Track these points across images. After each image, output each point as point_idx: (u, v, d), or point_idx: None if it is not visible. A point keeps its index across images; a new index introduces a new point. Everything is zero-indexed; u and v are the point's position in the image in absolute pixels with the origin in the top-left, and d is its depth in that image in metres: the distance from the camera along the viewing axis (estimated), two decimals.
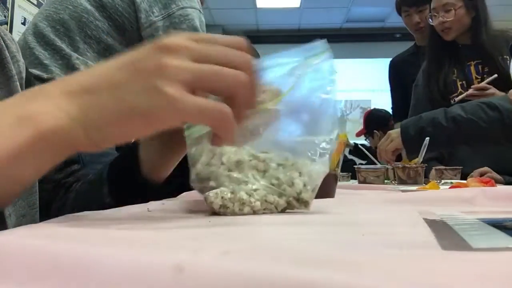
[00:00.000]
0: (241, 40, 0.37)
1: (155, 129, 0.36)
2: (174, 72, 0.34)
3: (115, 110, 0.34)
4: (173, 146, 0.57)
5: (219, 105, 0.35)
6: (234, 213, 0.42)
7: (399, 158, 1.47)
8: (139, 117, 0.34)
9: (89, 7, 1.05)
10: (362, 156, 1.82)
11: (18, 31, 2.52)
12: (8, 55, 0.62)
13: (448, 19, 1.85)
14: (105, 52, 1.05)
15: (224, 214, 0.42)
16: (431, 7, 1.91)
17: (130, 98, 0.34)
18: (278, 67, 0.45)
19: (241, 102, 0.36)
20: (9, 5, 2.54)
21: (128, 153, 0.63)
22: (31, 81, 0.79)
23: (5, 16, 2.53)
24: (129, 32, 1.05)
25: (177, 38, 0.35)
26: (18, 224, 0.55)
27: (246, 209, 0.42)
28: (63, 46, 1.03)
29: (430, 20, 1.92)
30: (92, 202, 0.66)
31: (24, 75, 0.67)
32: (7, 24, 2.54)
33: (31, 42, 1.04)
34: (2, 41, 0.62)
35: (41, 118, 0.33)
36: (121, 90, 0.34)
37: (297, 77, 0.45)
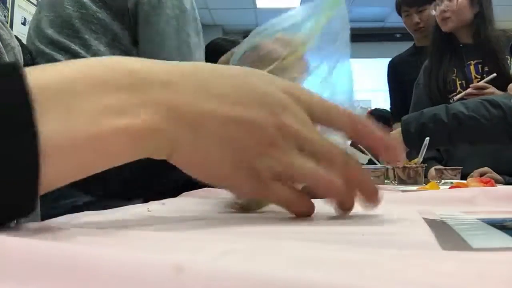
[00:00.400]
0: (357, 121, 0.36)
1: (227, 188, 0.37)
2: (276, 162, 0.33)
3: (209, 162, 0.33)
4: None
5: (297, 200, 0.36)
6: None
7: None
8: (222, 179, 0.35)
9: (84, 0, 1.05)
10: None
11: (18, 31, 2.52)
12: (0, 45, 0.60)
13: (449, 9, 1.84)
14: (113, 42, 1.06)
15: None
16: None
17: (227, 166, 0.33)
18: (293, 20, 0.45)
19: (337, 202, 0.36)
20: (9, 5, 2.55)
21: None
22: None
23: (5, 16, 2.53)
24: (127, 14, 1.06)
25: (297, 119, 0.33)
26: None
27: None
28: (77, 48, 1.04)
29: (433, 11, 1.91)
30: None
31: (22, 62, 0.66)
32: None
33: (48, 51, 1.04)
34: None
35: (141, 118, 0.29)
36: (226, 150, 0.33)
37: (314, 29, 0.45)
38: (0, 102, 0.23)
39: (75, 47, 1.03)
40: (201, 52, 1.12)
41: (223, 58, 0.58)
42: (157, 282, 0.18)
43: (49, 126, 0.25)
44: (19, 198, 0.25)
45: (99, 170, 0.29)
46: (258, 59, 0.44)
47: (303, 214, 0.38)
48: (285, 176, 0.34)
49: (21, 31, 2.44)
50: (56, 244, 0.22)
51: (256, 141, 0.33)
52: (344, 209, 0.37)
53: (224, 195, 0.73)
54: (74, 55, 1.02)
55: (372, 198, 0.36)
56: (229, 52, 0.48)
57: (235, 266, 0.18)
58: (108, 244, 0.26)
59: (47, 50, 1.03)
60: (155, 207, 0.52)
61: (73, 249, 0.21)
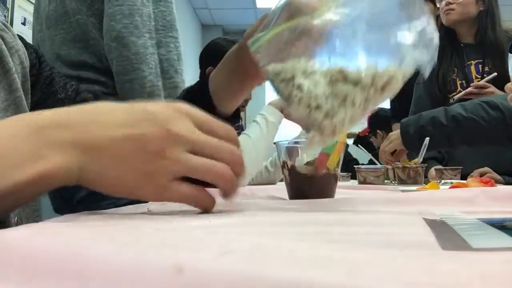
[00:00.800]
0: (233, 133, 0.44)
1: (136, 198, 0.41)
2: (169, 164, 0.39)
3: (112, 179, 0.38)
4: (238, 77, 0.64)
5: (197, 194, 0.42)
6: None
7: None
8: (128, 191, 0.39)
9: (74, 6, 1.05)
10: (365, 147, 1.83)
11: (18, 31, 2.52)
12: (4, 48, 0.62)
13: (455, 1, 1.84)
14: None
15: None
16: None
17: (129, 177, 0.38)
18: None
19: (223, 190, 0.43)
20: (9, 5, 2.55)
21: (200, 85, 0.69)
22: (98, 96, 0.82)
23: (5, 16, 2.53)
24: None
25: (183, 127, 0.39)
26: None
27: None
28: (90, 59, 1.04)
29: (437, 2, 1.91)
30: None
31: (27, 63, 0.67)
32: None
33: (70, 73, 1.04)
34: None
35: (51, 161, 0.35)
36: (124, 165, 0.38)
37: None
38: None
39: (88, 60, 1.04)
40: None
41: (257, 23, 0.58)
42: (157, 281, 0.18)
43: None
44: None
45: (17, 207, 0.36)
46: (295, 11, 0.48)
47: (206, 207, 0.43)
48: (179, 174, 0.40)
49: (21, 31, 2.44)
50: (56, 244, 0.22)
51: (147, 151, 0.38)
52: (228, 196, 0.43)
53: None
54: (92, 70, 1.03)
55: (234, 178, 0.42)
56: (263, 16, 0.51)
57: (235, 266, 0.18)
58: (108, 244, 0.26)
59: (73, 74, 1.04)
60: (155, 207, 0.52)
61: (73, 249, 0.21)
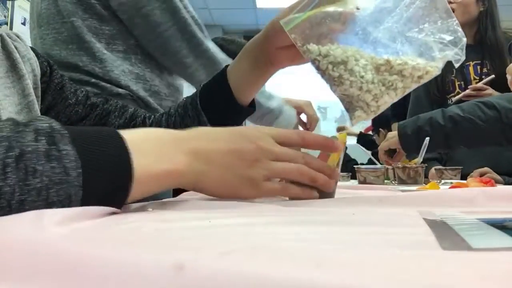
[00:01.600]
0: (297, 136, 0.56)
1: (236, 198, 0.54)
2: (262, 169, 0.52)
3: (220, 183, 0.51)
4: (260, 65, 0.70)
5: (282, 188, 0.56)
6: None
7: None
8: (231, 192, 0.52)
9: (70, 8, 1.04)
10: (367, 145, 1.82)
11: (18, 31, 2.52)
12: (18, 56, 0.69)
13: (456, 1, 1.84)
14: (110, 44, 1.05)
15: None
16: None
17: (234, 181, 0.51)
18: None
19: (312, 182, 0.56)
20: (9, 5, 2.54)
21: (218, 81, 0.74)
22: (90, 97, 0.84)
23: (5, 16, 2.53)
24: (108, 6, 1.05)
25: (268, 143, 0.52)
26: None
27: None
28: (82, 62, 1.03)
29: None
30: None
31: (38, 71, 0.70)
32: (7, 24, 2.54)
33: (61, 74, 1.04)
34: (11, 44, 0.66)
35: (180, 164, 0.47)
36: (228, 172, 0.51)
37: None
38: (111, 154, 0.40)
39: (80, 63, 1.03)
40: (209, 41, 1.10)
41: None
42: (157, 281, 0.18)
43: (137, 166, 0.41)
44: (116, 200, 0.41)
45: (149, 195, 0.46)
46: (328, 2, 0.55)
47: (294, 196, 0.57)
48: (271, 176, 0.53)
49: (21, 31, 2.44)
50: (56, 244, 0.22)
51: (246, 160, 0.51)
52: (321, 185, 0.56)
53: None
54: (87, 74, 1.03)
55: (330, 176, 0.57)
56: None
57: (235, 266, 0.18)
58: (108, 244, 0.26)
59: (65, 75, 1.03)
60: (155, 207, 0.52)
61: (74, 249, 0.21)
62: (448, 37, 0.55)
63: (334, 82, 0.55)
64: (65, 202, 0.37)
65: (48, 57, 1.07)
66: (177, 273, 0.18)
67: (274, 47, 0.66)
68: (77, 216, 0.40)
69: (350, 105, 0.55)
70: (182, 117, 0.77)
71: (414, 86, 0.56)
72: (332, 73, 0.54)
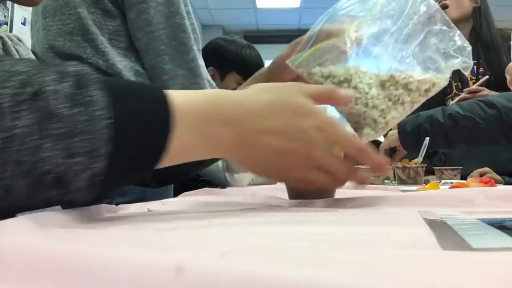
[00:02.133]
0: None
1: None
2: (298, 176, 0.49)
3: (258, 174, 0.51)
4: None
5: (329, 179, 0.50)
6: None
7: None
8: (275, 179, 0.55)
9: (78, 0, 1.04)
10: None
11: (18, 31, 2.52)
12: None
13: None
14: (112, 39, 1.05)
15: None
16: None
17: (272, 174, 0.50)
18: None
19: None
20: (9, 5, 2.54)
21: None
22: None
23: (5, 16, 2.53)
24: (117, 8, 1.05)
25: (321, 153, 0.47)
26: None
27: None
28: (86, 54, 1.03)
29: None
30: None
31: None
32: (7, 24, 2.54)
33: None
34: (12, 48, 0.66)
35: (217, 146, 0.44)
36: (269, 169, 0.48)
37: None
38: (149, 109, 0.36)
39: (84, 55, 1.03)
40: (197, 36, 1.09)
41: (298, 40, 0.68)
42: (157, 282, 0.18)
43: (179, 138, 0.38)
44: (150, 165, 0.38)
45: (184, 161, 0.43)
46: (324, 37, 0.59)
47: (342, 182, 0.52)
48: (307, 185, 0.52)
49: (21, 31, 2.44)
50: (56, 245, 0.22)
51: (289, 165, 0.47)
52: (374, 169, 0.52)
53: (223, 196, 0.73)
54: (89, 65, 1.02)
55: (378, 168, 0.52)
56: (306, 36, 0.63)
57: (235, 266, 0.18)
58: (108, 244, 0.26)
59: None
60: (155, 207, 0.52)
61: (73, 250, 0.21)
62: (452, 47, 0.56)
63: None
64: (89, 155, 0.32)
65: (51, 48, 1.07)
66: (177, 273, 0.18)
67: (278, 79, 0.68)
68: (77, 216, 0.40)
69: (357, 124, 0.55)
70: None
71: (422, 99, 0.56)
72: None
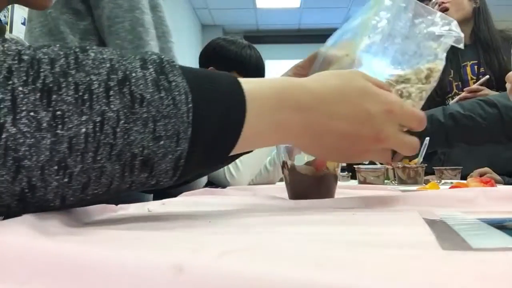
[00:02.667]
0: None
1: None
2: (371, 155, 0.49)
3: (327, 158, 0.55)
4: None
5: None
6: None
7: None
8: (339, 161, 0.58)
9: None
10: None
11: (18, 31, 2.52)
12: None
13: (448, 0, 1.84)
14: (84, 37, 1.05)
15: None
16: None
17: (341, 159, 0.53)
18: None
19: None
20: (9, 6, 2.54)
21: None
22: None
23: (5, 16, 2.53)
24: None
25: (391, 134, 0.47)
26: None
27: None
28: None
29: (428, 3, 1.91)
30: None
31: None
32: (7, 24, 2.54)
33: None
34: None
35: (288, 131, 0.43)
36: (338, 154, 0.48)
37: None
38: (225, 92, 0.37)
39: None
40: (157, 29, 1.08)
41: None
42: (157, 282, 0.18)
43: (249, 123, 0.38)
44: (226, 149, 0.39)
45: (253, 149, 0.45)
46: (327, 64, 0.65)
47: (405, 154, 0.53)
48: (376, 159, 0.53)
49: (22, 32, 2.44)
50: (56, 244, 0.22)
51: (359, 149, 0.47)
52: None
53: (223, 196, 0.73)
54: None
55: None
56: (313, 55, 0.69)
57: (235, 266, 0.18)
58: (108, 244, 0.26)
59: None
60: (155, 207, 0.52)
61: (73, 250, 0.21)
62: (439, 28, 0.60)
63: None
64: (172, 138, 0.33)
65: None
66: (177, 273, 0.18)
67: None
68: (77, 216, 0.40)
69: None
70: None
71: (428, 87, 0.60)
72: None
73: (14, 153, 0.28)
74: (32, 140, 0.29)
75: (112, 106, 0.31)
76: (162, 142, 0.33)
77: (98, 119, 0.31)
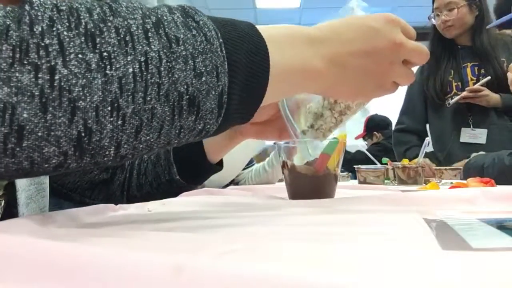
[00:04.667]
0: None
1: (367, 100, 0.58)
2: (395, 75, 0.49)
3: (353, 90, 0.49)
4: (231, 132, 0.71)
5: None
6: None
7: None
8: (363, 95, 0.52)
9: None
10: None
11: None
12: None
13: (451, 18, 1.85)
14: None
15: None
16: (434, 6, 1.92)
17: (367, 87, 0.49)
18: None
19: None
20: None
21: None
22: None
23: None
24: None
25: (401, 38, 0.48)
26: None
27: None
28: None
29: (433, 20, 1.92)
30: (161, 181, 0.75)
31: None
32: None
33: None
34: None
35: (313, 65, 0.43)
36: (363, 79, 0.47)
37: None
38: (247, 33, 0.38)
39: None
40: None
41: None
42: (157, 282, 0.18)
43: (274, 60, 0.39)
44: (256, 98, 0.39)
45: (284, 97, 0.49)
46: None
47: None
48: (400, 83, 0.51)
49: None
50: (56, 244, 0.22)
51: (381, 64, 0.47)
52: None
53: (223, 196, 0.73)
54: None
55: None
56: None
57: (235, 266, 0.18)
58: (108, 244, 0.26)
59: None
60: (155, 207, 0.52)
61: (73, 250, 0.21)
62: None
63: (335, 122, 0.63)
64: (212, 74, 0.34)
65: None
66: (177, 273, 0.18)
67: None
68: (77, 216, 0.40)
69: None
70: (154, 165, 0.78)
71: (346, 118, 0.62)
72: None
73: (69, 94, 0.29)
74: (84, 80, 0.29)
75: (152, 46, 0.32)
76: (204, 79, 0.34)
77: (143, 58, 0.32)
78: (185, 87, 0.33)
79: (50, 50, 0.29)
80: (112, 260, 0.20)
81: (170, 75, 0.33)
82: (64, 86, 0.29)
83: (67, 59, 0.29)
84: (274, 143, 0.70)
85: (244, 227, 0.36)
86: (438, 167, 1.47)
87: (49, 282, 0.20)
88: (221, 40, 0.35)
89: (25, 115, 0.28)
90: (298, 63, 0.42)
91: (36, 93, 0.28)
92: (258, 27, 0.40)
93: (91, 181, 0.76)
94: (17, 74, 0.28)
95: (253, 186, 1.17)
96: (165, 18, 0.34)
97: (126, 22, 0.32)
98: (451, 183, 1.06)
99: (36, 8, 0.30)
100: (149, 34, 0.33)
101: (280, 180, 1.37)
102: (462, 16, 1.86)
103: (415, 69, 0.58)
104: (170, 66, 0.33)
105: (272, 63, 0.39)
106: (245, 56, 0.37)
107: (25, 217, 0.30)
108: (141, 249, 0.24)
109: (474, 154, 1.43)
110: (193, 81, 0.34)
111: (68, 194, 0.74)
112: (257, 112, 0.60)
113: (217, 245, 0.25)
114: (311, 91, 0.49)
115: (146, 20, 0.33)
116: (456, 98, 1.84)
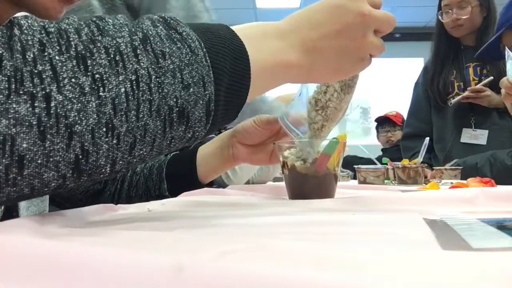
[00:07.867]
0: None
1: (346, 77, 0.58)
2: (371, 47, 0.48)
3: (333, 71, 0.49)
4: (224, 154, 0.74)
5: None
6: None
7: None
8: (344, 74, 0.52)
9: (97, 5, 1.05)
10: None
11: None
12: None
13: (462, 17, 1.84)
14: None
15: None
16: (443, 3, 1.90)
17: (346, 65, 0.49)
18: None
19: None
20: None
21: (187, 155, 0.78)
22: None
23: None
24: None
25: (369, 9, 0.48)
26: None
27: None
28: None
29: (440, 17, 1.91)
30: (151, 195, 0.77)
31: None
32: None
33: None
34: None
35: (292, 56, 0.44)
36: (340, 58, 0.47)
37: None
38: (225, 38, 0.39)
39: None
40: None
41: None
42: (157, 282, 0.18)
43: (251, 59, 0.40)
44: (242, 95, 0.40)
45: (265, 91, 0.47)
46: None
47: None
48: (375, 54, 0.50)
49: None
50: (56, 244, 0.22)
51: (355, 39, 0.47)
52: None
53: (223, 196, 0.73)
54: None
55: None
56: None
57: (235, 266, 0.18)
58: (108, 244, 0.26)
59: None
60: (155, 207, 0.52)
61: (73, 250, 0.21)
62: None
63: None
64: (199, 84, 0.35)
65: None
66: (177, 274, 0.18)
67: (237, 141, 0.73)
68: (77, 216, 0.40)
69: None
70: (146, 178, 0.79)
71: (335, 114, 0.64)
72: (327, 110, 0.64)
73: (65, 120, 0.30)
74: (79, 105, 0.30)
75: (142, 64, 0.33)
76: (191, 90, 0.35)
77: (134, 77, 0.32)
78: (175, 100, 0.34)
79: (44, 76, 0.29)
80: (112, 260, 0.20)
81: (160, 90, 0.33)
82: (60, 112, 0.29)
83: (61, 85, 0.30)
84: (274, 143, 0.70)
85: (244, 227, 0.36)
86: (438, 167, 1.47)
87: (49, 282, 0.20)
88: (204, 50, 0.36)
89: (24, 145, 0.29)
90: (272, 58, 0.43)
91: (34, 123, 0.29)
92: (233, 28, 0.41)
93: (85, 191, 0.77)
94: (14, 105, 0.28)
95: (253, 186, 1.17)
96: (150, 33, 0.35)
97: (115, 41, 0.33)
98: (451, 183, 1.06)
99: (26, 31, 0.30)
100: (138, 51, 0.33)
101: (280, 180, 1.37)
102: (474, 17, 1.85)
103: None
104: (160, 81, 0.34)
105: (251, 63, 0.40)
106: (228, 63, 0.38)
107: (24, 217, 0.30)
108: (141, 249, 0.24)
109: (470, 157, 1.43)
110: (182, 93, 0.34)
111: (61, 202, 0.75)
112: (250, 136, 0.64)
113: (217, 245, 0.25)
114: (291, 81, 0.49)
115: (134, 37, 0.34)
116: (457, 98, 1.83)
